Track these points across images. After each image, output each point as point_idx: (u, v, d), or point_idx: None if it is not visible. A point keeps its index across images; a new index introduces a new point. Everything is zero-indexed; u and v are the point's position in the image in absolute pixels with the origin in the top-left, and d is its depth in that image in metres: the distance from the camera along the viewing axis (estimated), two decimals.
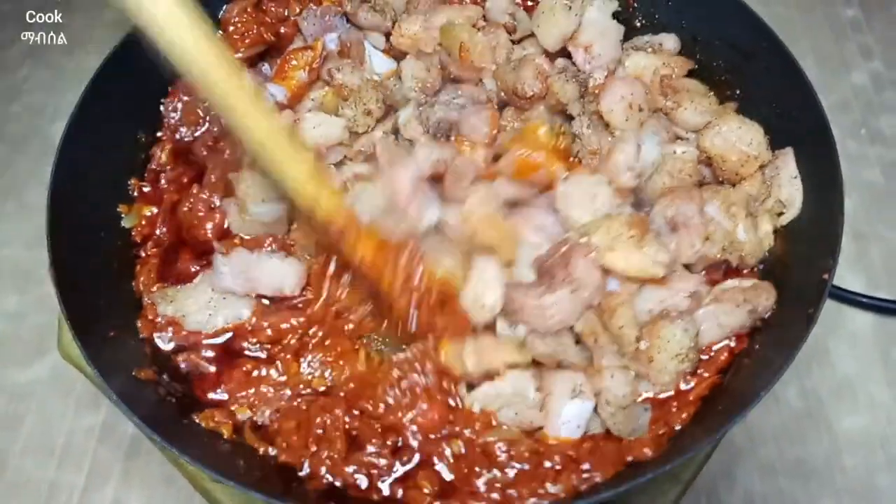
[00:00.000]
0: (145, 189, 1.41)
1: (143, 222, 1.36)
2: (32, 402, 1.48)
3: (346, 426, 1.16)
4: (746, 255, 1.22)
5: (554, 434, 1.12)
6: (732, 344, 1.19)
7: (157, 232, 1.36)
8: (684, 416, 1.13)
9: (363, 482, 1.12)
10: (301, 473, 1.13)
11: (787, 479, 1.35)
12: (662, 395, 1.16)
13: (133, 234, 1.35)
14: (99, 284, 1.24)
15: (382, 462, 1.13)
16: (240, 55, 1.47)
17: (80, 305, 1.14)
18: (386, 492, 1.11)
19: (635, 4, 1.51)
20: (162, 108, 1.46)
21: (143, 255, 1.34)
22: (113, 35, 1.96)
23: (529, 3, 1.58)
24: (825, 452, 1.38)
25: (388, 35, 1.50)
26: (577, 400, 1.11)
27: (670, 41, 1.45)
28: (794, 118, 1.28)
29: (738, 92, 1.39)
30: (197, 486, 1.23)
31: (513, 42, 1.50)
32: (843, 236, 1.14)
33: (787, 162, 1.26)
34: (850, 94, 1.81)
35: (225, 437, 1.15)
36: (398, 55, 1.48)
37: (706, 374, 1.16)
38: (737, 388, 1.13)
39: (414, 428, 1.15)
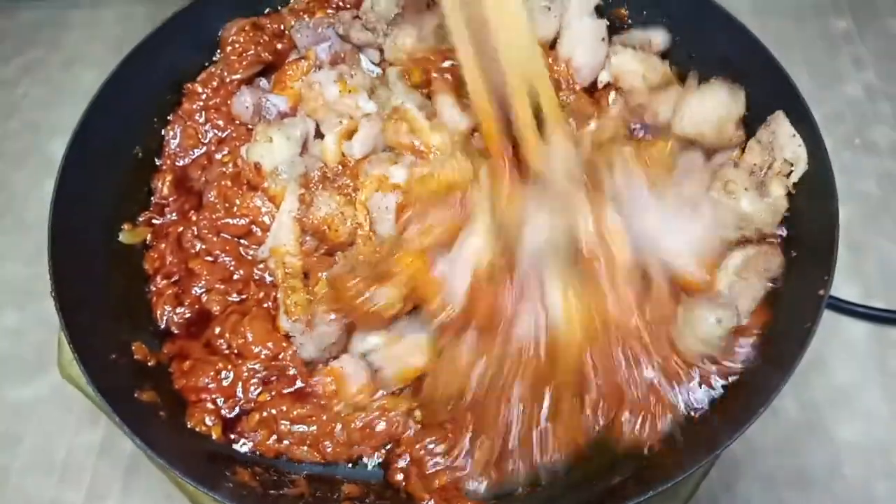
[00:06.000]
0: (155, 222, 1.41)
1: (155, 255, 1.37)
2: (32, 420, 1.48)
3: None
4: (762, 224, 1.22)
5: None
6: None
7: (167, 262, 1.36)
8: None
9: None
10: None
11: (788, 490, 1.36)
12: None
13: (144, 264, 1.37)
14: (99, 307, 1.24)
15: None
16: (238, 76, 1.48)
17: (83, 329, 1.14)
18: None
19: (629, 21, 1.52)
20: (163, 133, 1.47)
21: (154, 288, 1.35)
22: (110, 51, 1.99)
23: None
24: (824, 462, 1.38)
25: (381, 49, 1.50)
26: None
27: (658, 36, 1.45)
28: None
29: None
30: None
31: None
32: (839, 247, 1.14)
33: (781, 123, 1.27)
34: (844, 106, 1.82)
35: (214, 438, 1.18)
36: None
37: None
38: (733, 407, 1.13)
39: None
